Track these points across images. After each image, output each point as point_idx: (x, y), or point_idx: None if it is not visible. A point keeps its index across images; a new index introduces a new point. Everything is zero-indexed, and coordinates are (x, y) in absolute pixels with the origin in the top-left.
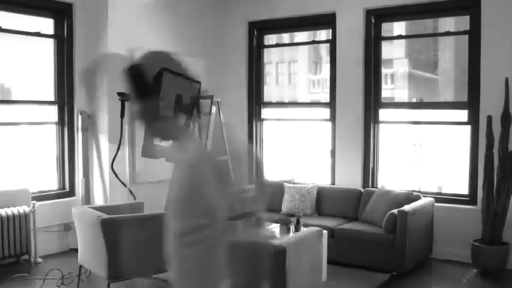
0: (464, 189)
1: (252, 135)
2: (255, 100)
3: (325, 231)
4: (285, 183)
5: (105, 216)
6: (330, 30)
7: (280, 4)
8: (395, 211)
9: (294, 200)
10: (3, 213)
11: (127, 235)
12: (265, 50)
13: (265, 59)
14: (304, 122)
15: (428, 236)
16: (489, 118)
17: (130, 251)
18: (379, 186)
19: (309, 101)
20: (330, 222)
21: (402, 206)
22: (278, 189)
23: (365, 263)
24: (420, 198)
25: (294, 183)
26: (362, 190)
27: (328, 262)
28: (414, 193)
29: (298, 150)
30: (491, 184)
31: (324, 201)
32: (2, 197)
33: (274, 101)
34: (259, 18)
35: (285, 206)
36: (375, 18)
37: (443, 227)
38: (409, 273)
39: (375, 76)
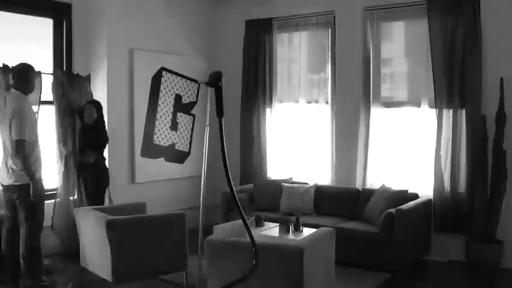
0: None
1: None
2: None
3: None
4: (283, 183)
5: (110, 217)
6: (330, 29)
7: (279, 3)
8: (393, 210)
9: (292, 200)
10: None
11: (133, 236)
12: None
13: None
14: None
15: (427, 235)
16: (483, 118)
17: (135, 253)
18: (379, 184)
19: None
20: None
21: (400, 204)
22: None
23: (363, 262)
24: (419, 197)
25: (292, 183)
26: (360, 189)
27: None
28: (413, 192)
29: (300, 148)
30: (485, 183)
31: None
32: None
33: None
34: (258, 17)
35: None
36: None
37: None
38: (408, 273)
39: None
